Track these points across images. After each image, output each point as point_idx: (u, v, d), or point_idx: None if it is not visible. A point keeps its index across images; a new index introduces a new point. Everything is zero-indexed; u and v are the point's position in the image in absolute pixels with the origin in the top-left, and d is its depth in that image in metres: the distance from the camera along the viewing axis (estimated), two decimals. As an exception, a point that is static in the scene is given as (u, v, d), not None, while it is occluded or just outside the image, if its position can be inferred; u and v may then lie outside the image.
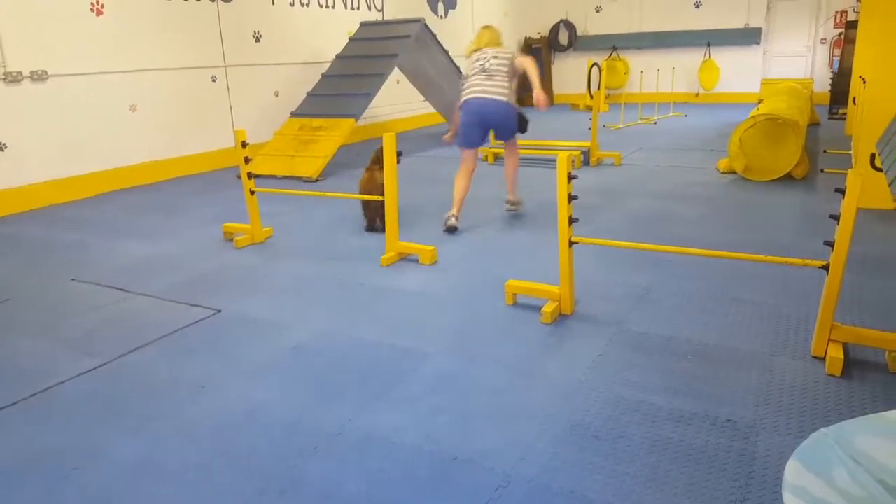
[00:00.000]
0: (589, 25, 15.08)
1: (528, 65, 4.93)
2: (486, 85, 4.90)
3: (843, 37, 11.46)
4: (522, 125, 5.22)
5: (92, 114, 6.64)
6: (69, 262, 4.56)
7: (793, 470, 1.07)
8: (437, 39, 9.06)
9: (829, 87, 11.48)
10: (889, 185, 3.31)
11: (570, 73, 15.25)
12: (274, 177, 7.23)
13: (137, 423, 2.50)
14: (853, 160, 6.25)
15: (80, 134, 6.54)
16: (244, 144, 4.54)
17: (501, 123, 5.10)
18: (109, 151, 6.83)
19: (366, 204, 4.95)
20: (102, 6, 6.63)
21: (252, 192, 4.70)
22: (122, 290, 3.96)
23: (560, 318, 3.33)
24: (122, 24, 6.84)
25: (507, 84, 4.95)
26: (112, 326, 3.43)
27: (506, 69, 4.95)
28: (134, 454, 2.30)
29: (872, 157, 4.27)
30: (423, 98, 10.58)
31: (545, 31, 15.38)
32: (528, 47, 15.34)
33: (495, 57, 4.97)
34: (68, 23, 6.35)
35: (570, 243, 3.29)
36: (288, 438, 2.36)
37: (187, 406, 2.61)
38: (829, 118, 10.81)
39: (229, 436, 2.39)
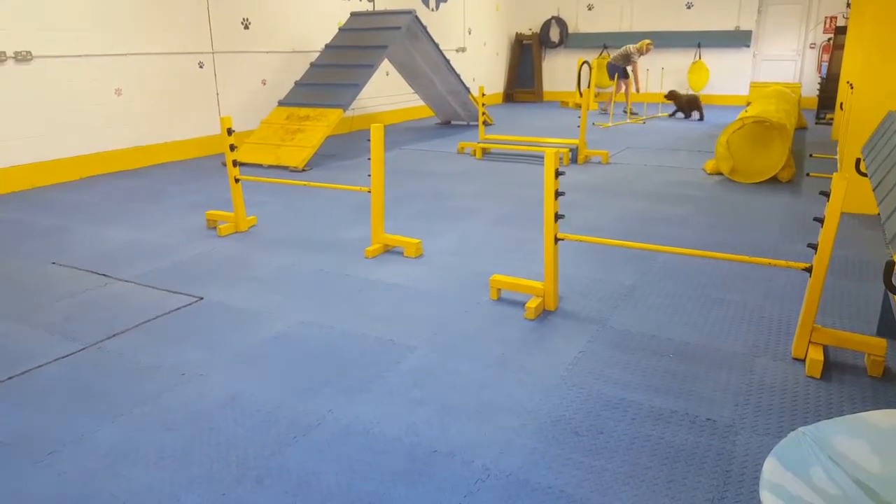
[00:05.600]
0: (580, 23, 15.08)
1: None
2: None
3: (832, 42, 11.56)
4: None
5: (76, 96, 6.54)
6: (50, 245, 4.49)
7: (770, 468, 1.07)
8: (427, 32, 9.02)
9: (817, 92, 11.58)
10: (874, 191, 3.34)
11: (561, 70, 15.27)
12: (260, 165, 7.18)
13: (116, 408, 2.47)
14: (839, 165, 6.32)
15: (63, 116, 6.45)
16: (230, 132, 4.49)
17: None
18: (93, 135, 6.74)
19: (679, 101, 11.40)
20: (89, -13, 6.52)
21: (237, 180, 4.65)
22: (103, 275, 3.91)
23: (543, 314, 3.33)
24: (109, 7, 6.73)
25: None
26: (92, 311, 3.39)
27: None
28: (111, 440, 2.27)
29: (858, 162, 4.31)
30: (411, 90, 10.54)
31: (536, 28, 15.36)
32: (519, 43, 15.33)
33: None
34: (54, 3, 6.24)
35: (556, 240, 3.29)
36: (267, 427, 2.34)
37: (166, 393, 2.58)
38: (817, 123, 10.92)
39: (208, 423, 2.37)
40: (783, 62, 13.60)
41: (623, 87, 11.89)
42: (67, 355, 2.90)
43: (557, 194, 3.22)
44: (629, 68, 11.75)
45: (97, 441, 2.27)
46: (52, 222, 5.05)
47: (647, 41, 11.71)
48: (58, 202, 5.71)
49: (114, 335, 3.10)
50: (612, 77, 11.82)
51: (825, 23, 12.96)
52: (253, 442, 2.26)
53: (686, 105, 11.56)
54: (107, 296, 3.60)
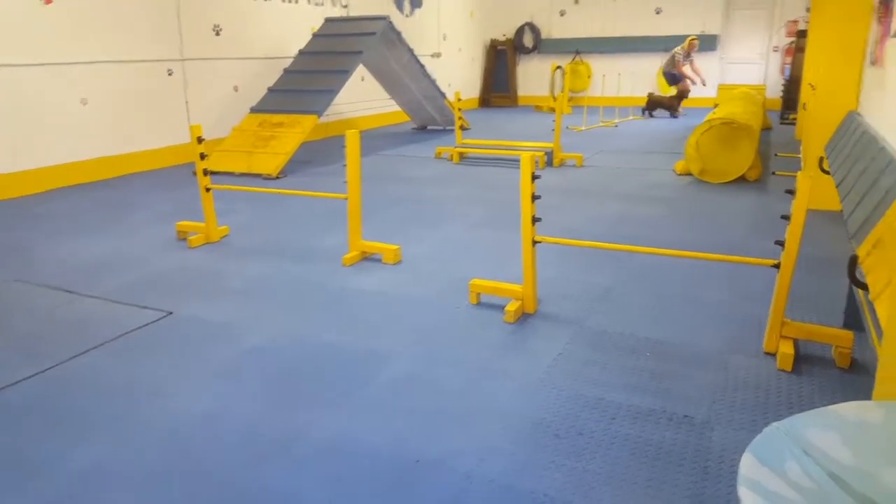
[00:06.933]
0: (553, 29, 15.23)
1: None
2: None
3: (793, 45, 11.82)
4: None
5: (40, 106, 6.40)
6: (13, 262, 4.37)
7: (747, 464, 1.09)
8: (402, 37, 9.03)
9: (781, 94, 11.84)
10: (837, 188, 3.43)
11: (535, 75, 15.39)
12: (232, 174, 7.10)
13: (84, 430, 2.40)
14: (803, 163, 6.46)
15: (27, 127, 6.30)
16: (200, 140, 4.43)
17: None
18: (58, 146, 6.60)
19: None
20: (53, -5, 6.41)
21: (207, 190, 4.59)
22: (69, 291, 3.82)
23: (523, 316, 3.34)
24: (73, 14, 6.61)
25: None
26: (58, 329, 3.30)
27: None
28: (81, 462, 2.21)
29: (821, 160, 4.41)
30: (387, 96, 10.53)
31: (510, 34, 15.47)
32: (494, 49, 15.42)
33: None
34: (15, 11, 6.11)
35: (534, 242, 3.31)
36: (244, 444, 2.30)
37: (137, 412, 2.52)
38: (781, 123, 11.16)
39: (182, 442, 2.32)
40: (749, 65, 13.87)
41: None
42: (32, 376, 2.81)
43: (534, 198, 3.24)
44: (677, 72, 12.00)
45: (66, 464, 2.21)
46: (15, 237, 4.93)
47: (692, 38, 12.03)
48: (21, 216, 5.58)
49: (81, 354, 3.02)
50: (671, 84, 12.33)
51: (787, 27, 13.26)
52: (230, 460, 2.22)
53: (657, 103, 12.28)
54: (73, 313, 3.52)
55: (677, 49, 11.98)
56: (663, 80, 14.17)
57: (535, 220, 3.28)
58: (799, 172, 2.70)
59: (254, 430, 2.38)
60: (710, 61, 13.86)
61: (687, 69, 12.02)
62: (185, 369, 2.86)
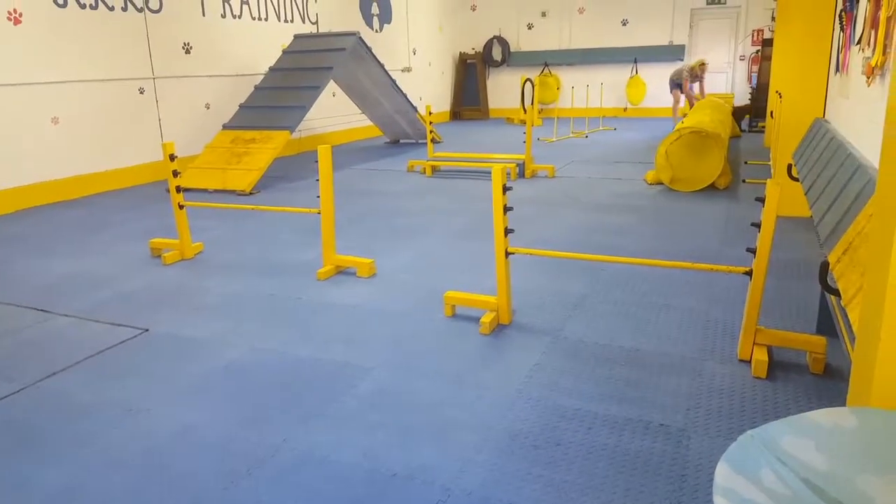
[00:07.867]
0: (522, 41, 15.39)
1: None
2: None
3: (759, 54, 12.09)
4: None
5: (9, 126, 6.28)
6: (-20, 282, 4.27)
7: (722, 472, 1.10)
8: (372, 53, 9.05)
9: (749, 102, 12.08)
10: (805, 194, 3.50)
11: (504, 87, 15.53)
12: (205, 190, 7.02)
13: (59, 450, 2.35)
14: (772, 171, 6.60)
15: (-6, 147, 6.17)
16: (172, 157, 4.38)
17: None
18: (29, 165, 6.48)
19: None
20: (21, 15, 6.30)
21: (181, 207, 4.53)
22: (42, 310, 3.73)
23: (498, 328, 3.34)
24: (43, 34, 6.51)
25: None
26: (31, 349, 3.23)
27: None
28: (56, 483, 2.16)
29: (790, 167, 4.51)
30: (359, 111, 10.53)
31: (479, 47, 15.60)
32: (464, 62, 15.53)
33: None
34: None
35: (507, 254, 3.31)
36: (220, 461, 2.26)
37: (113, 430, 2.47)
38: (749, 131, 11.40)
39: (159, 459, 2.28)
40: (716, 74, 14.14)
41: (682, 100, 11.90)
42: (4, 397, 2.75)
43: (506, 209, 3.25)
44: (685, 84, 11.60)
45: (41, 485, 2.15)
46: (-17, 258, 4.81)
47: (701, 61, 11.41)
48: (-11, 236, 5.45)
49: (54, 373, 2.96)
50: (673, 90, 11.92)
51: (753, 36, 13.58)
52: (206, 476, 2.18)
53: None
54: (47, 332, 3.44)
55: (685, 69, 11.51)
56: (633, 91, 14.43)
57: (507, 231, 3.29)
58: (768, 180, 2.74)
59: (230, 446, 2.34)
60: (678, 72, 14.12)
61: (688, 90, 11.59)
62: (160, 386, 2.80)
